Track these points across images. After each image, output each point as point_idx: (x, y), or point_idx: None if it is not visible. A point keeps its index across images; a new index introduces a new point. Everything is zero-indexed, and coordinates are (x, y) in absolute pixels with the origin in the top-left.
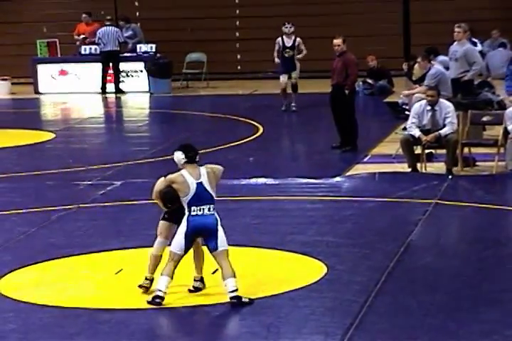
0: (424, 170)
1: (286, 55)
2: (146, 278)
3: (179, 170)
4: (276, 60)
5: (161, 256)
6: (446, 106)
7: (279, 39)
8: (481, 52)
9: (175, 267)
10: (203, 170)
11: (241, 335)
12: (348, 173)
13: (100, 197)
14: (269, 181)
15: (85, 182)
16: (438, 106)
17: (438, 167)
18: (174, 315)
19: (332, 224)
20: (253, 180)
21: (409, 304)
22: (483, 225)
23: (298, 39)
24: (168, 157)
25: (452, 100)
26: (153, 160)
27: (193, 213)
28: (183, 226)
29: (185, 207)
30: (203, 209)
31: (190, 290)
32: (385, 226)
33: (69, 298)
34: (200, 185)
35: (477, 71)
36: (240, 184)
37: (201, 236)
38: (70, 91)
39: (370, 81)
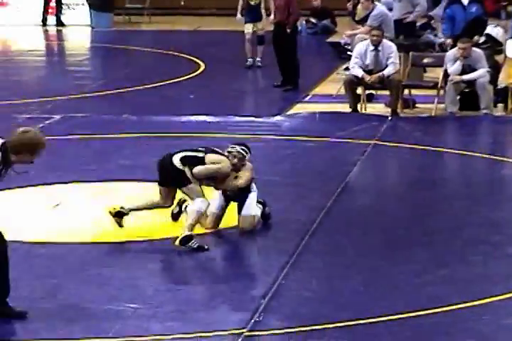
0: (364, 111)
1: (252, 2)
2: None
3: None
4: (240, 8)
5: None
6: (389, 46)
7: None
8: None
9: None
10: None
11: (175, 274)
12: (288, 112)
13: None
14: (210, 118)
15: (24, 116)
16: (381, 46)
17: (378, 108)
18: (111, 248)
19: (270, 163)
20: (193, 117)
21: (344, 244)
22: (421, 166)
23: None
24: (108, 92)
25: (394, 41)
26: (93, 94)
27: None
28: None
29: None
30: None
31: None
32: (323, 166)
33: (5, 230)
34: None
35: (420, 13)
36: (179, 121)
37: None
38: (10, 23)
39: (313, 20)
